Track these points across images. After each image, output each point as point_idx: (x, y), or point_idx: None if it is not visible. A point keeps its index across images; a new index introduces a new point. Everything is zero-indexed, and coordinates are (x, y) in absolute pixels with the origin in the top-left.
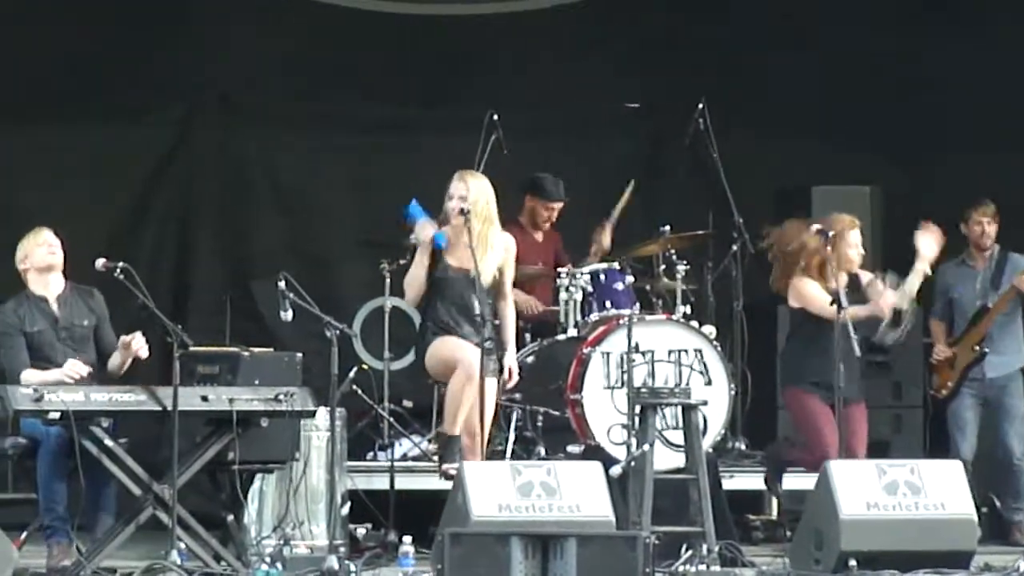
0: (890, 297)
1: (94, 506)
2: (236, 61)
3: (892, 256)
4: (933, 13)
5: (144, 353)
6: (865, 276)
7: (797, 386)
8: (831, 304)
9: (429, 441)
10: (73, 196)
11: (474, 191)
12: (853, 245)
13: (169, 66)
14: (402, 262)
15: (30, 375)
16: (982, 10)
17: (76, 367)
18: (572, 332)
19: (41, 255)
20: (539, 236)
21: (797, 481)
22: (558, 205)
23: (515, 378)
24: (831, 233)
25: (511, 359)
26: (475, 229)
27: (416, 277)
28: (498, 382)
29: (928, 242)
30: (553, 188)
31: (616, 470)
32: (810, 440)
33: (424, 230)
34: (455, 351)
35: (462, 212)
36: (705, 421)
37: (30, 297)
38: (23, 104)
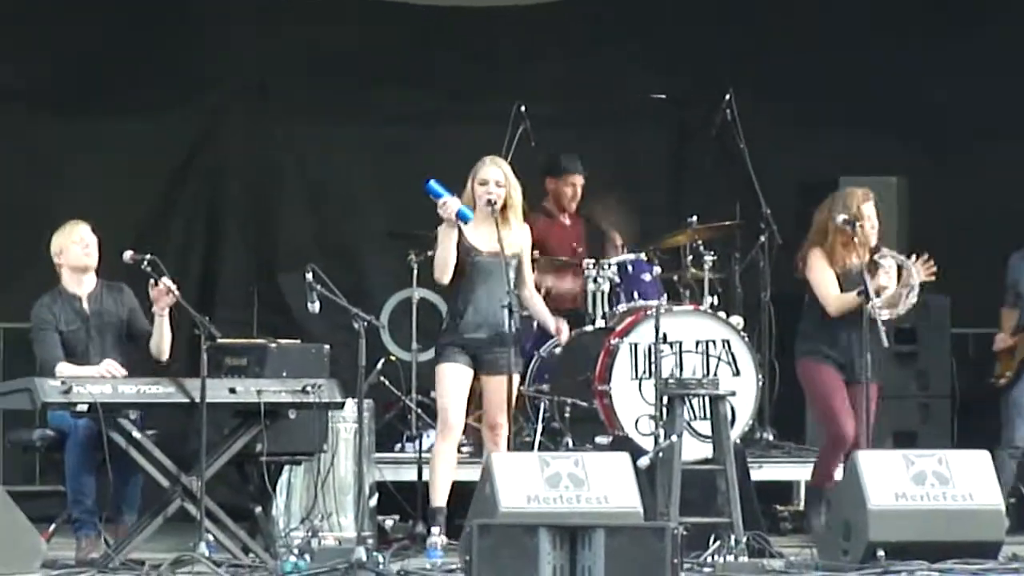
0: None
1: (117, 499)
2: (263, 55)
3: (918, 247)
4: (960, 1)
5: (169, 298)
6: (883, 256)
7: (810, 358)
8: (857, 294)
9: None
10: (102, 189)
11: (510, 176)
12: (868, 218)
13: (197, 59)
14: (430, 253)
15: (64, 369)
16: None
17: (112, 367)
18: (600, 323)
19: (76, 255)
20: (567, 220)
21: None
22: (579, 179)
23: (565, 331)
24: (858, 223)
25: (556, 320)
26: (507, 215)
27: (444, 255)
28: (520, 377)
29: (912, 271)
30: (569, 163)
31: (644, 461)
32: (823, 414)
33: (448, 207)
34: (441, 396)
35: (490, 203)
36: (733, 412)
37: (63, 294)
38: (53, 98)
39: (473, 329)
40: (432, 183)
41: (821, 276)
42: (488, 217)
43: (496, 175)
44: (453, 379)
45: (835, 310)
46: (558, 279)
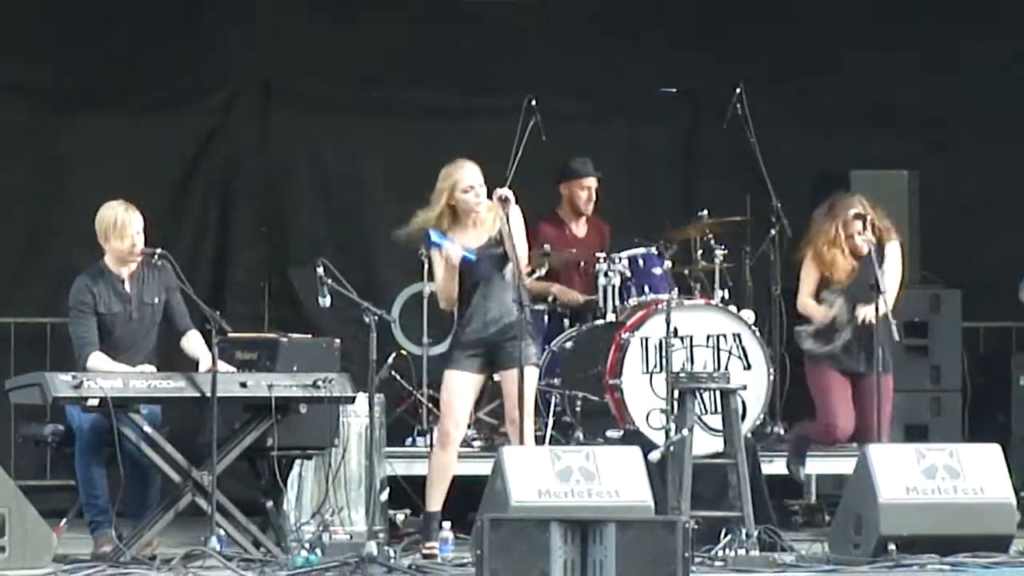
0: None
1: (138, 503)
2: (277, 48)
3: (929, 241)
4: None
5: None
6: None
7: (811, 359)
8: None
9: (469, 427)
10: (115, 182)
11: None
12: (857, 232)
13: (211, 53)
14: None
15: (99, 361)
16: None
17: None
18: (611, 317)
19: (121, 252)
20: (580, 230)
21: (832, 465)
22: (592, 181)
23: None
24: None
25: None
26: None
27: (451, 288)
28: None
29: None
30: (579, 166)
31: (655, 455)
32: (820, 408)
33: (452, 256)
34: (445, 403)
35: (503, 200)
36: (744, 406)
37: (104, 274)
38: (70, 93)
39: (481, 328)
40: (433, 235)
41: (802, 277)
42: (464, 219)
43: (477, 178)
44: (453, 387)
45: (799, 309)
46: (564, 289)
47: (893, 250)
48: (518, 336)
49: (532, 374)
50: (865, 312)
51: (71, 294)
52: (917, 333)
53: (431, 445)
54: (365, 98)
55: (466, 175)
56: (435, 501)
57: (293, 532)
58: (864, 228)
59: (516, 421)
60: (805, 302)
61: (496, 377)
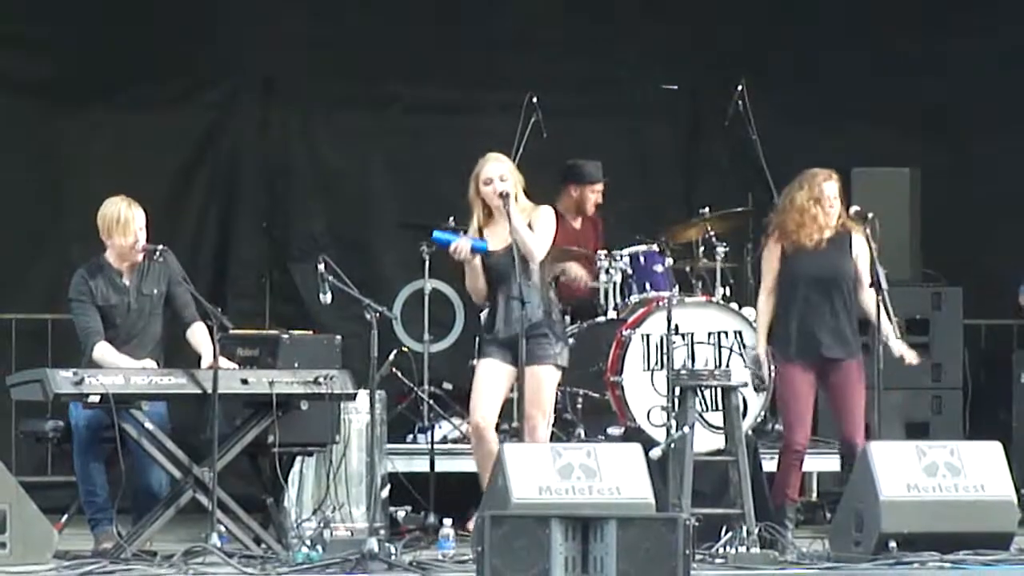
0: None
1: (145, 501)
2: (277, 43)
3: (930, 238)
4: None
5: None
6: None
7: (779, 355)
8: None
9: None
10: (116, 178)
11: (511, 166)
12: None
13: (212, 48)
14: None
15: (105, 351)
16: None
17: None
18: (612, 314)
19: (124, 248)
20: (576, 223)
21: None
22: (600, 187)
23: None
24: (870, 215)
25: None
26: (513, 208)
27: (474, 285)
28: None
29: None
30: (593, 170)
31: (656, 452)
32: (782, 419)
33: (460, 249)
34: (473, 395)
35: (502, 195)
36: (745, 403)
37: (103, 268)
38: (68, 88)
39: (503, 327)
40: (437, 233)
41: (764, 267)
42: (496, 214)
43: (498, 171)
44: (480, 376)
45: (760, 306)
46: (576, 266)
47: (859, 241)
48: (538, 334)
49: (551, 374)
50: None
51: (70, 287)
52: (918, 330)
53: (432, 442)
54: (366, 94)
55: (486, 168)
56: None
57: (294, 529)
58: (835, 199)
59: (525, 420)
60: (762, 304)
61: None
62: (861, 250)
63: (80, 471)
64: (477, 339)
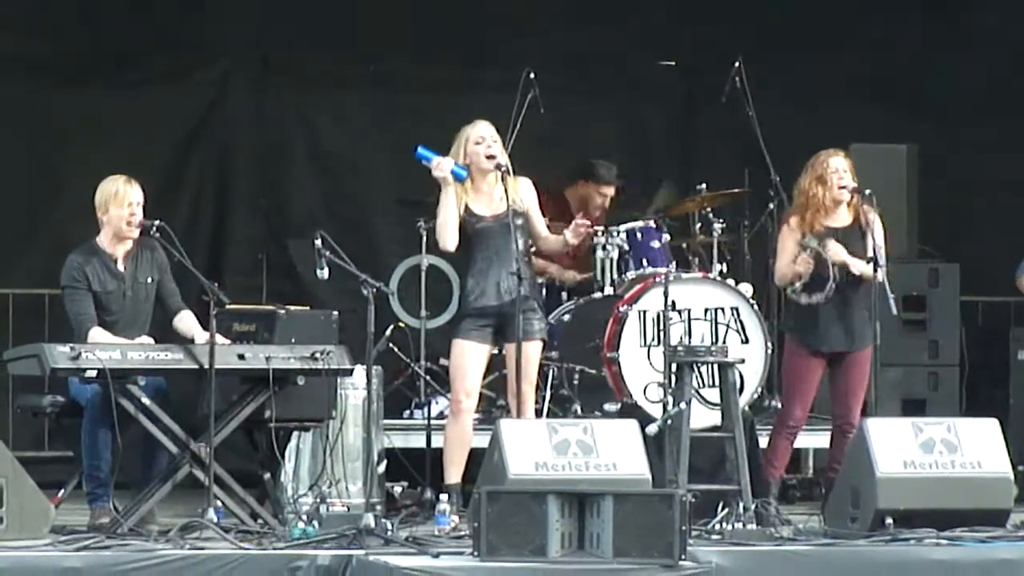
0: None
1: (144, 476)
2: (274, 22)
3: (927, 215)
4: None
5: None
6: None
7: (791, 336)
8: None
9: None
10: (112, 155)
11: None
12: (835, 171)
13: (208, 26)
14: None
15: (98, 334)
16: None
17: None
18: (608, 290)
19: (120, 223)
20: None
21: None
22: (609, 190)
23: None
24: (867, 191)
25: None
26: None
27: (444, 219)
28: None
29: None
30: (605, 172)
31: (652, 428)
32: (783, 392)
33: (442, 166)
34: (454, 373)
35: (499, 167)
36: (741, 379)
37: (98, 252)
38: (60, 69)
39: (486, 298)
40: (421, 149)
41: (780, 248)
42: (487, 179)
43: (489, 131)
44: (462, 356)
45: (778, 281)
46: (561, 269)
47: (875, 220)
48: (527, 309)
49: (538, 348)
50: (835, 251)
51: (63, 273)
52: (915, 307)
53: (428, 417)
54: (364, 72)
55: (477, 128)
56: (450, 473)
57: (290, 504)
58: (844, 171)
59: (516, 395)
60: (783, 271)
61: (502, 349)
62: (877, 234)
63: (88, 445)
64: (457, 312)
